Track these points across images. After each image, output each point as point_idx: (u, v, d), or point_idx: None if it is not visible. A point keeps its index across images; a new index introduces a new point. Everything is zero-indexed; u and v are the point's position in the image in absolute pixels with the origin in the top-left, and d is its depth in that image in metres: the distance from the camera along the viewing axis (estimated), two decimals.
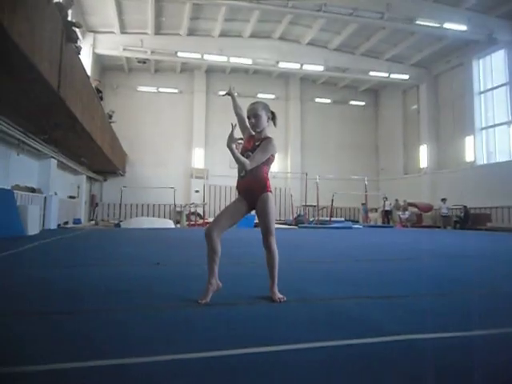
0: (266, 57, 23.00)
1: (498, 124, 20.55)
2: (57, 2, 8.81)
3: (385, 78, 24.80)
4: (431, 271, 4.87)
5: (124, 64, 24.19)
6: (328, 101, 28.53)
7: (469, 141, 21.51)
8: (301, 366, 1.77)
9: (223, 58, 22.55)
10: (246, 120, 3.24)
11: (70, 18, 10.21)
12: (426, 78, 24.64)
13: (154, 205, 24.40)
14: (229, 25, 21.31)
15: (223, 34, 22.05)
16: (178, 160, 25.31)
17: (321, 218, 21.55)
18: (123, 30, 20.84)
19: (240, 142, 3.18)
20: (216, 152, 24.22)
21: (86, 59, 18.69)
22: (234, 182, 3.52)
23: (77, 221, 18.36)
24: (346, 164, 27.25)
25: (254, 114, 3.11)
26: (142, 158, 24.66)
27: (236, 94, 3.59)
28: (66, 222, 16.66)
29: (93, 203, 23.45)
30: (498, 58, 20.61)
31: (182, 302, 2.94)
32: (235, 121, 3.30)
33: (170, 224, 18.87)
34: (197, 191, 23.92)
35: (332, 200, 21.21)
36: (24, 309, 2.77)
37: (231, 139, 2.88)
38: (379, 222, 23.54)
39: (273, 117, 3.23)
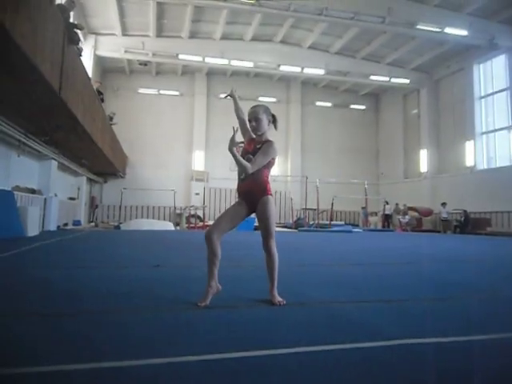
0: (268, 60, 23.01)
1: (498, 129, 20.56)
2: (59, 4, 8.85)
3: (385, 82, 24.83)
4: (431, 275, 4.88)
5: (125, 66, 24.22)
6: (329, 104, 28.55)
7: (469, 145, 21.51)
8: (300, 370, 1.77)
9: (224, 61, 22.57)
10: (247, 123, 3.25)
11: (71, 20, 10.24)
12: (427, 83, 24.66)
13: (153, 207, 24.40)
14: (230, 28, 21.35)
15: (225, 37, 22.09)
16: (178, 162, 25.31)
17: (321, 222, 21.55)
18: (125, 32, 20.88)
19: (241, 145, 3.19)
20: (216, 155, 24.23)
21: (88, 61, 18.71)
22: (234, 185, 3.53)
23: (76, 222, 18.35)
24: (347, 168, 27.24)
25: (254, 117, 3.12)
26: (142, 160, 24.66)
27: (238, 96, 3.60)
28: (66, 224, 16.66)
29: (93, 205, 23.45)
30: (499, 63, 20.64)
31: (182, 305, 2.94)
32: (236, 124, 3.31)
33: (170, 226, 18.87)
34: (197, 194, 23.90)
35: (332, 203, 21.22)
36: (24, 310, 2.77)
37: (232, 143, 2.88)
38: (379, 226, 23.53)
39: (274, 120, 3.24)
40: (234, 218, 3.17)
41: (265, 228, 3.09)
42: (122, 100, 24.67)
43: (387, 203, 22.90)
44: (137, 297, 3.22)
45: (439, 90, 24.63)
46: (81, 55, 11.03)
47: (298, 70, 23.82)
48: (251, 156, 3.05)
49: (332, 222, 21.50)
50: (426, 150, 24.50)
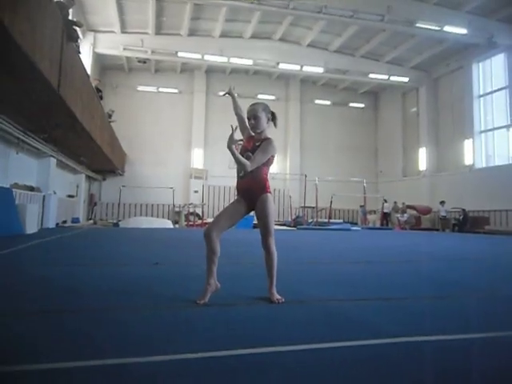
0: (267, 58, 23.00)
1: (497, 127, 20.59)
2: (58, 1, 8.82)
3: (384, 80, 24.84)
4: (430, 274, 4.88)
5: (124, 63, 24.19)
6: (328, 102, 28.55)
7: (468, 144, 21.54)
8: (299, 367, 1.78)
9: (223, 59, 22.55)
10: (246, 120, 3.24)
11: (70, 17, 10.22)
12: (426, 81, 24.67)
13: (152, 205, 24.38)
14: (229, 25, 21.32)
15: (224, 35, 22.06)
16: (177, 160, 25.30)
17: (319, 220, 21.56)
18: (124, 30, 20.84)
19: (240, 143, 3.19)
20: (215, 152, 24.22)
21: (86, 58, 18.68)
22: (233, 183, 3.53)
23: (75, 220, 18.34)
24: (345, 166, 27.25)
25: (253, 115, 3.12)
26: (141, 157, 24.64)
27: (236, 94, 3.59)
28: (65, 221, 16.65)
29: (91, 202, 23.43)
30: (498, 61, 20.66)
31: (181, 303, 2.94)
32: (235, 121, 3.30)
33: (169, 224, 18.87)
34: (196, 191, 23.89)
35: (331, 202, 21.26)
36: (24, 307, 2.77)
37: (231, 140, 2.88)
38: (378, 224, 23.55)
39: (273, 117, 3.23)
40: (233, 216, 3.17)
41: (264, 226, 3.09)
42: (120, 97, 24.63)
43: (386, 201, 22.95)
44: (136, 294, 3.22)
45: (438, 88, 24.63)
46: (79, 52, 11.01)
47: (297, 67, 23.81)
48: (250, 154, 3.05)
49: (331, 220, 21.53)
50: (424, 149, 24.52)
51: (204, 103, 26.13)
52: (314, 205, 21.73)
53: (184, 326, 2.38)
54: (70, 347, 1.96)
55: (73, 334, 2.20)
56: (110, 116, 18.34)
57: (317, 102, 28.40)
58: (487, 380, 1.73)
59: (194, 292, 3.08)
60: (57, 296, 3.17)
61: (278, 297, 3.01)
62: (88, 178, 21.84)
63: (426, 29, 18.98)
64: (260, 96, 25.44)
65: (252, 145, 3.14)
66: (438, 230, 20.85)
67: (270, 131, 3.23)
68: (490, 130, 21.01)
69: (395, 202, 23.28)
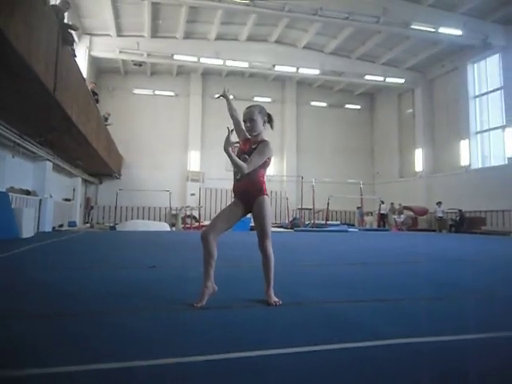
0: (263, 60, 23.01)
1: (492, 128, 20.66)
2: (53, 5, 8.82)
3: (380, 81, 24.90)
4: (427, 275, 4.89)
5: (120, 66, 24.16)
6: (324, 104, 28.60)
7: (464, 145, 21.60)
8: (296, 370, 1.78)
9: (219, 62, 22.55)
10: (242, 123, 3.24)
11: (66, 21, 10.21)
12: (422, 82, 24.75)
13: (149, 208, 24.34)
14: (225, 28, 21.34)
15: (219, 38, 22.07)
16: (173, 163, 25.26)
17: (316, 222, 21.57)
18: (119, 33, 20.82)
19: (236, 145, 3.19)
20: (212, 155, 24.20)
21: (82, 62, 18.67)
22: (229, 185, 3.53)
23: (72, 223, 18.28)
24: (342, 167, 27.27)
25: (249, 118, 3.12)
26: (137, 160, 24.59)
27: (231, 96, 3.59)
28: (61, 225, 16.60)
29: (88, 206, 23.37)
30: (493, 62, 20.74)
31: (178, 305, 2.94)
32: (231, 124, 3.31)
33: (166, 227, 18.84)
34: (192, 194, 23.86)
35: (328, 203, 21.27)
36: (24, 311, 2.76)
37: (228, 143, 2.88)
38: (375, 226, 23.59)
39: (269, 120, 3.23)
40: (230, 219, 3.16)
41: (260, 228, 3.09)
42: (117, 100, 24.59)
43: (382, 203, 23.00)
44: (134, 297, 3.22)
45: (434, 89, 24.72)
46: (75, 56, 11.00)
47: (293, 70, 23.84)
48: (247, 156, 3.05)
49: (328, 222, 21.54)
50: (420, 150, 24.58)
51: (200, 106, 26.11)
52: (310, 207, 21.72)
53: (182, 329, 2.38)
54: (70, 351, 1.96)
55: (73, 337, 2.20)
56: (106, 119, 18.29)
57: (313, 103, 28.44)
58: (485, 381, 1.73)
59: (192, 295, 3.07)
60: (56, 299, 3.17)
61: (276, 299, 3.01)
62: (84, 181, 21.79)
63: (422, 30, 19.05)
64: (256, 98, 25.46)
65: (248, 147, 3.14)
66: (434, 230, 20.90)
67: (267, 133, 3.23)
68: (485, 130, 21.09)
69: (392, 203, 23.35)
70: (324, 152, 27.76)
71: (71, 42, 9.83)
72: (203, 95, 26.15)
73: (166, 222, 21.10)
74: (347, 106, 29.07)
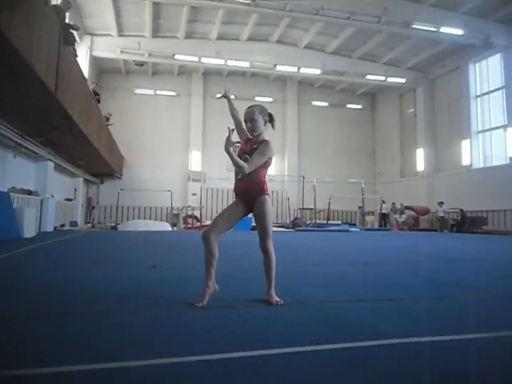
0: (264, 60, 23.01)
1: (494, 128, 20.65)
2: (54, 5, 8.83)
3: (382, 81, 24.88)
4: (428, 274, 4.89)
5: (121, 66, 24.19)
6: (325, 104, 28.59)
7: (465, 144, 21.58)
8: (298, 369, 1.78)
9: (221, 61, 22.56)
10: (243, 123, 3.24)
11: (67, 21, 10.22)
12: (423, 82, 24.73)
13: (150, 207, 24.35)
14: (226, 28, 21.36)
15: (221, 37, 22.09)
16: (175, 163, 25.28)
17: (318, 221, 21.57)
18: (121, 33, 20.85)
19: (237, 145, 3.19)
20: (213, 155, 24.21)
21: (84, 62, 18.69)
22: (231, 185, 3.53)
23: (73, 223, 18.31)
24: (343, 167, 27.27)
25: (250, 118, 3.12)
26: (139, 160, 24.62)
27: (232, 96, 3.59)
28: (63, 225, 16.63)
29: (89, 206, 23.40)
30: (495, 61, 20.72)
31: (179, 305, 2.94)
32: (232, 124, 3.31)
33: (167, 227, 18.84)
34: (194, 194, 23.87)
35: (329, 203, 21.27)
36: (25, 311, 2.76)
37: (229, 143, 2.88)
38: (376, 225, 23.57)
39: (270, 119, 3.23)
40: (231, 218, 3.17)
41: (262, 228, 3.09)
42: (118, 100, 24.62)
43: (384, 202, 22.99)
44: (135, 297, 3.22)
45: (435, 89, 24.70)
46: (76, 56, 11.01)
47: (295, 69, 23.84)
48: (248, 156, 3.05)
49: (329, 222, 21.53)
50: (422, 149, 24.57)
51: (201, 106, 26.13)
52: (312, 206, 21.72)
53: (183, 329, 2.38)
54: (71, 350, 1.96)
55: (74, 337, 2.20)
56: (107, 119, 18.31)
57: (314, 103, 28.44)
58: (486, 380, 1.73)
59: (193, 294, 3.07)
60: (57, 299, 3.17)
61: (277, 299, 3.01)
62: (86, 181, 21.81)
63: (423, 30, 19.04)
64: (257, 98, 25.47)
65: (249, 147, 3.14)
66: (436, 230, 20.87)
67: (268, 133, 3.23)
68: (487, 130, 21.08)
69: (393, 203, 23.34)
70: (325, 152, 27.76)
71: (72, 42, 9.85)
72: (204, 95, 26.17)
73: (167, 221, 21.10)
74: (349, 105, 29.06)
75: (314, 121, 27.97)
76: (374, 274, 4.92)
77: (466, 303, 3.23)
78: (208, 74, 26.02)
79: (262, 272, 3.15)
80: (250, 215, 3.24)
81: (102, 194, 24.49)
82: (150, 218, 23.42)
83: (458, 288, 3.91)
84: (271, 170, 19.82)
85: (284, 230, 19.54)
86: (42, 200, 13.24)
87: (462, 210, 19.65)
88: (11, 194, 10.80)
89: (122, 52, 21.27)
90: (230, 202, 3.33)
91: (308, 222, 22.24)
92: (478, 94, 21.50)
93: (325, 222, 21.64)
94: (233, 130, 3.01)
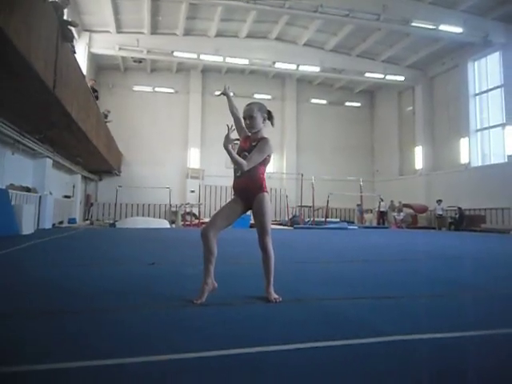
0: (263, 57, 22.99)
1: (492, 126, 20.66)
2: (53, 1, 8.79)
3: (380, 79, 24.87)
4: (426, 272, 4.90)
5: (120, 63, 24.13)
6: (324, 102, 28.58)
7: (464, 142, 21.60)
8: (296, 366, 1.78)
9: (219, 58, 22.54)
10: (242, 120, 3.24)
11: (65, 17, 10.18)
12: (422, 80, 24.73)
13: (149, 204, 24.32)
14: (225, 25, 21.30)
15: (219, 34, 22.03)
16: (173, 160, 25.24)
17: (316, 219, 21.58)
18: (119, 30, 20.78)
19: (236, 142, 3.19)
20: (212, 152, 24.17)
21: (82, 58, 18.62)
22: (229, 182, 3.53)
23: (72, 220, 18.29)
24: (342, 165, 27.28)
25: (249, 115, 3.11)
26: (137, 157, 24.57)
27: (232, 94, 3.58)
28: (61, 222, 16.61)
29: (88, 203, 23.36)
30: (494, 60, 20.71)
31: (178, 302, 2.94)
32: (231, 121, 3.30)
33: (166, 224, 18.85)
34: (192, 191, 23.85)
35: (327, 201, 21.28)
36: (24, 308, 2.76)
37: (228, 140, 2.88)
38: (374, 223, 23.61)
39: (269, 117, 3.23)
40: (229, 216, 3.17)
41: (260, 225, 3.09)
42: (116, 97, 24.56)
43: (382, 200, 23.02)
44: (134, 294, 3.23)
45: (434, 87, 24.69)
46: (75, 52, 10.97)
47: (293, 67, 23.84)
48: (247, 154, 3.05)
49: (327, 219, 21.54)
50: (420, 147, 24.59)
51: (200, 103, 26.09)
52: (310, 204, 21.71)
53: (181, 326, 2.38)
54: (71, 348, 1.97)
55: (73, 334, 2.20)
56: (105, 116, 18.27)
57: (313, 101, 28.42)
58: (484, 377, 1.73)
59: (191, 291, 3.08)
60: (56, 297, 3.17)
61: (276, 296, 3.01)
62: (84, 178, 21.78)
63: (422, 28, 19.01)
64: (256, 95, 25.44)
65: (248, 145, 3.14)
66: (434, 228, 20.92)
67: (267, 131, 3.23)
68: (485, 128, 21.08)
69: (392, 201, 23.39)
70: (324, 149, 27.75)
71: (71, 38, 9.82)
72: (203, 92, 26.13)
73: (165, 218, 21.10)
74: (347, 103, 29.05)
75: (312, 118, 27.95)
76: (373, 271, 4.93)
77: (465, 301, 3.24)
78: (207, 71, 25.97)
79: (260, 269, 3.15)
80: (249, 212, 3.24)
81: (100, 191, 24.45)
82: (149, 215, 23.39)
83: (456, 286, 3.92)
84: (270, 168, 19.73)
85: (282, 227, 19.55)
86: (40, 197, 13.21)
87: (460, 208, 19.67)
88: (9, 190, 10.78)
89: (120, 49, 21.21)
90: (229, 200, 3.33)
91: (306, 220, 22.25)
92: (477, 92, 21.50)
93: (323, 219, 21.65)
94: (232, 128, 3.00)
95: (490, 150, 20.83)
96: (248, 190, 3.12)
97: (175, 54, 22.04)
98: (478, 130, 21.31)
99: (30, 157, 13.33)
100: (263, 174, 3.16)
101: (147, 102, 25.49)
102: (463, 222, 19.50)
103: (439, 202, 20.63)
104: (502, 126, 19.82)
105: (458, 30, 18.95)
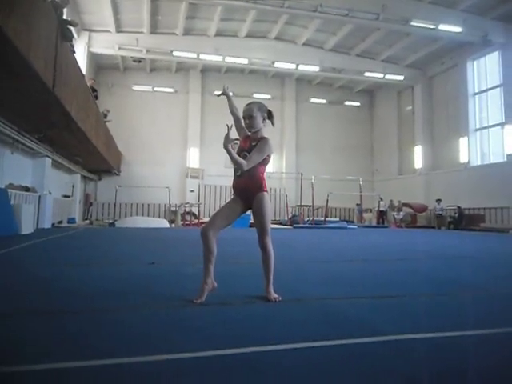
0: (262, 57, 22.98)
1: (491, 125, 20.67)
2: (52, 1, 8.78)
3: (380, 78, 24.86)
4: (426, 271, 4.90)
5: (119, 63, 24.11)
6: (323, 101, 28.57)
7: (463, 142, 21.60)
8: (296, 366, 1.78)
9: (219, 58, 22.53)
10: (242, 120, 3.24)
11: (65, 17, 10.17)
12: (421, 79, 24.73)
13: (148, 204, 24.30)
14: (225, 24, 21.29)
15: (219, 34, 22.01)
16: (173, 160, 25.22)
17: (316, 218, 21.58)
18: (119, 29, 20.76)
19: (236, 142, 3.19)
20: (211, 152, 24.13)
21: (81, 58, 18.60)
22: (229, 182, 3.53)
23: (71, 220, 18.28)
24: (341, 164, 27.27)
25: (248, 115, 3.11)
26: (137, 157, 24.54)
27: (231, 93, 3.58)
28: (61, 222, 16.59)
29: (87, 202, 23.34)
30: (493, 59, 20.71)
31: (178, 302, 2.94)
32: (230, 121, 3.30)
33: (165, 224, 18.85)
34: (192, 191, 23.85)
35: (327, 200, 21.28)
36: (24, 308, 2.76)
37: (227, 140, 2.88)
38: (374, 223, 23.62)
39: (269, 116, 3.23)
40: (229, 215, 3.17)
41: (260, 225, 3.10)
42: (116, 97, 24.53)
43: (382, 199, 23.03)
44: (134, 294, 3.23)
45: (433, 86, 24.69)
46: (74, 52, 10.96)
47: (293, 66, 23.83)
48: (247, 153, 3.05)
49: (327, 219, 21.55)
50: (420, 147, 24.59)
51: (200, 102, 26.07)
52: (310, 203, 21.73)
53: (181, 325, 2.38)
54: (71, 348, 1.97)
55: (73, 334, 2.20)
56: (105, 116, 18.25)
57: (312, 100, 28.42)
58: (484, 376, 1.73)
59: (191, 291, 3.08)
60: (56, 296, 3.17)
61: (275, 295, 3.02)
62: (83, 177, 21.75)
63: (421, 27, 19.01)
64: (256, 95, 25.43)
65: (248, 144, 3.14)
66: (433, 227, 20.92)
67: (266, 130, 3.23)
68: (484, 127, 21.09)
69: (391, 200, 23.40)
70: (323, 149, 27.74)
71: (70, 38, 9.81)
72: (202, 92, 26.11)
73: (165, 218, 21.09)
74: (347, 102, 29.04)
75: (312, 118, 27.94)
76: (372, 271, 4.93)
77: (464, 300, 3.24)
78: (206, 70, 25.96)
79: (260, 269, 3.16)
80: (249, 212, 3.24)
81: (99, 190, 24.42)
82: (148, 215, 23.38)
83: (456, 285, 3.92)
84: (269, 167, 19.63)
85: (282, 227, 19.54)
86: (39, 197, 13.20)
87: (459, 207, 19.68)
88: (9, 190, 10.76)
89: (120, 48, 21.19)
90: (228, 199, 3.33)
91: (306, 219, 22.25)
92: (476, 91, 21.51)
93: (323, 219, 21.65)
94: (231, 127, 3.00)
95: (490, 150, 20.83)
96: (248, 189, 3.12)
97: (175, 53, 22.02)
98: (477, 130, 21.31)
99: (30, 156, 13.32)
100: (263, 174, 3.16)
101: (147, 102, 25.47)
102: (462, 221, 19.51)
103: (438, 201, 20.64)
104: (501, 125, 19.82)
105: (458, 29, 18.94)
